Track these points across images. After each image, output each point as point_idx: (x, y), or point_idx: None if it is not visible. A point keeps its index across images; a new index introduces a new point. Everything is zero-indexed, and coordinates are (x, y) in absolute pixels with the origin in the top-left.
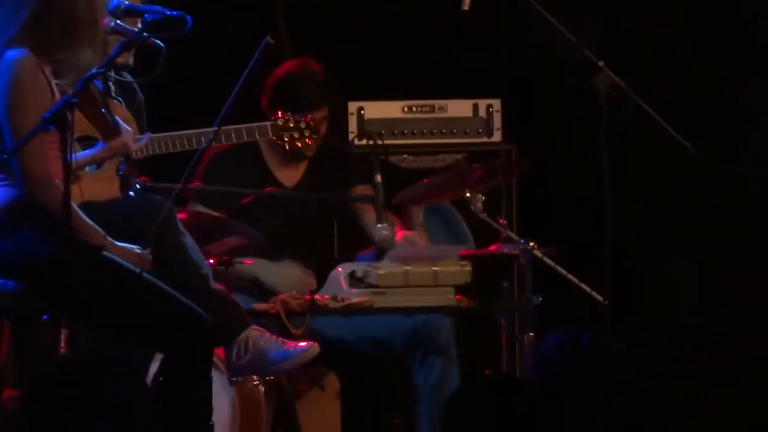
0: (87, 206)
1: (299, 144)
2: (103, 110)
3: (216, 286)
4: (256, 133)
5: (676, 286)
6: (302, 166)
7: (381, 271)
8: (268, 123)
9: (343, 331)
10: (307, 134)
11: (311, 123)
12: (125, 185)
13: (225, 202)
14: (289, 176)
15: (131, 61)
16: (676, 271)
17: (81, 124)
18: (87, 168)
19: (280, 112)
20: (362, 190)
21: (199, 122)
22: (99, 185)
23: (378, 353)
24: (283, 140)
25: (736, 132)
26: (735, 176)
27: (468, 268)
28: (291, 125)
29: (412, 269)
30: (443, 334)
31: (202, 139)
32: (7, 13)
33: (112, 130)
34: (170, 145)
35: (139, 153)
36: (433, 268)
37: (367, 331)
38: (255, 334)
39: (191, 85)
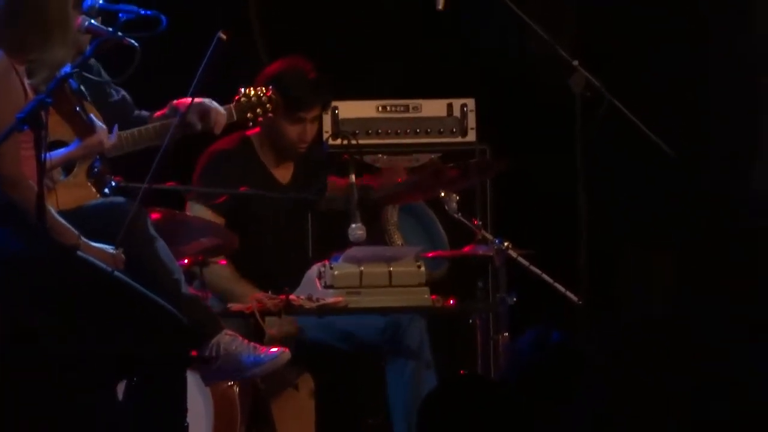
0: (60, 214)
1: (261, 120)
2: (77, 108)
3: (188, 290)
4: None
5: (651, 284)
6: (291, 166)
7: (336, 272)
8: (230, 105)
9: (315, 329)
10: (269, 107)
11: (272, 96)
12: (100, 183)
13: (224, 202)
14: (283, 174)
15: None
16: (652, 269)
17: (54, 128)
18: (60, 177)
19: (240, 89)
20: (332, 181)
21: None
22: (72, 192)
23: (350, 348)
24: (247, 119)
25: (707, 129)
26: (705, 172)
27: (423, 269)
28: (253, 101)
29: (366, 270)
30: (413, 335)
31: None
32: None
33: (86, 128)
34: (138, 140)
35: (111, 151)
36: (389, 268)
37: (339, 328)
38: (227, 339)
39: (158, 85)
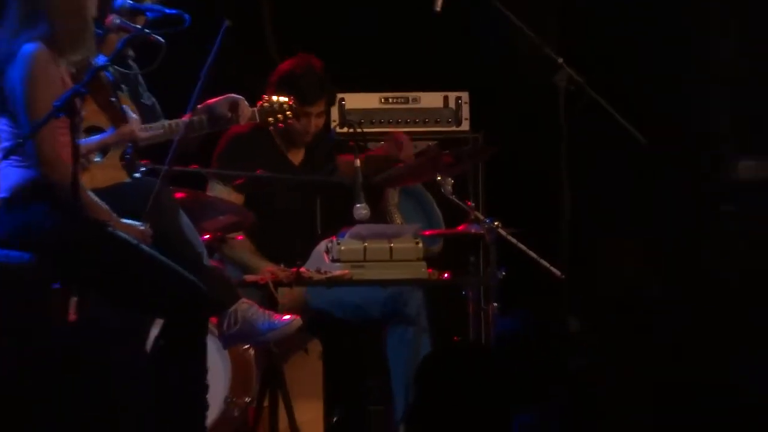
0: (94, 192)
1: (282, 126)
2: (112, 99)
3: (209, 263)
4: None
5: (625, 261)
6: (301, 152)
7: (342, 247)
8: (255, 108)
9: (326, 301)
10: (290, 115)
11: (293, 105)
12: (131, 167)
13: (242, 182)
14: (295, 156)
15: (132, 52)
16: (625, 247)
17: (92, 115)
18: (96, 158)
19: (265, 96)
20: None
21: (169, 109)
22: (105, 172)
23: (356, 320)
24: (269, 123)
25: (678, 120)
26: (675, 159)
27: (420, 245)
28: (275, 107)
29: (369, 245)
30: (413, 304)
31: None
32: (15, 15)
33: (120, 118)
34: (169, 132)
35: (143, 140)
36: (390, 244)
37: (346, 301)
38: (244, 307)
39: (175, 80)
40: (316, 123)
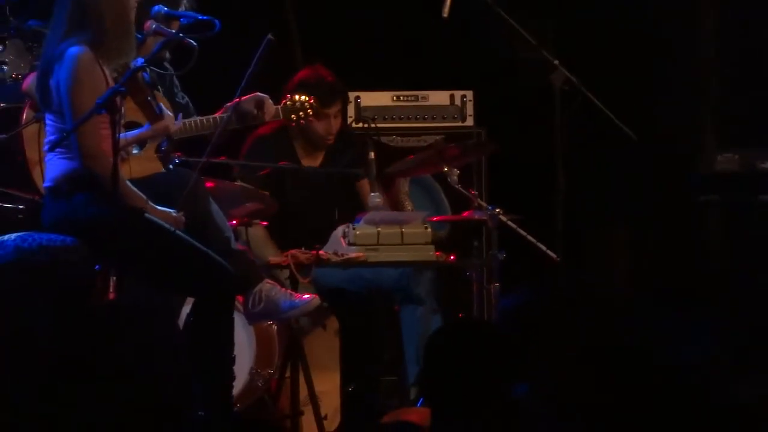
0: (132, 182)
1: (303, 122)
2: (149, 98)
3: (236, 246)
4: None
5: (612, 249)
6: (321, 155)
7: (357, 232)
8: (278, 106)
9: (343, 280)
10: (310, 113)
11: (314, 103)
12: (166, 159)
13: (266, 178)
14: (314, 161)
15: (168, 55)
16: (612, 235)
17: (131, 112)
18: (134, 151)
19: (288, 95)
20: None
21: (201, 107)
22: (142, 164)
23: (367, 293)
24: (291, 120)
25: (660, 120)
26: (661, 155)
27: (429, 230)
28: (297, 105)
29: (382, 230)
30: (423, 284)
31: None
32: (63, 19)
33: (156, 115)
34: (201, 127)
35: (176, 134)
36: (401, 229)
37: (358, 276)
38: (268, 287)
39: (205, 81)
40: (334, 124)
